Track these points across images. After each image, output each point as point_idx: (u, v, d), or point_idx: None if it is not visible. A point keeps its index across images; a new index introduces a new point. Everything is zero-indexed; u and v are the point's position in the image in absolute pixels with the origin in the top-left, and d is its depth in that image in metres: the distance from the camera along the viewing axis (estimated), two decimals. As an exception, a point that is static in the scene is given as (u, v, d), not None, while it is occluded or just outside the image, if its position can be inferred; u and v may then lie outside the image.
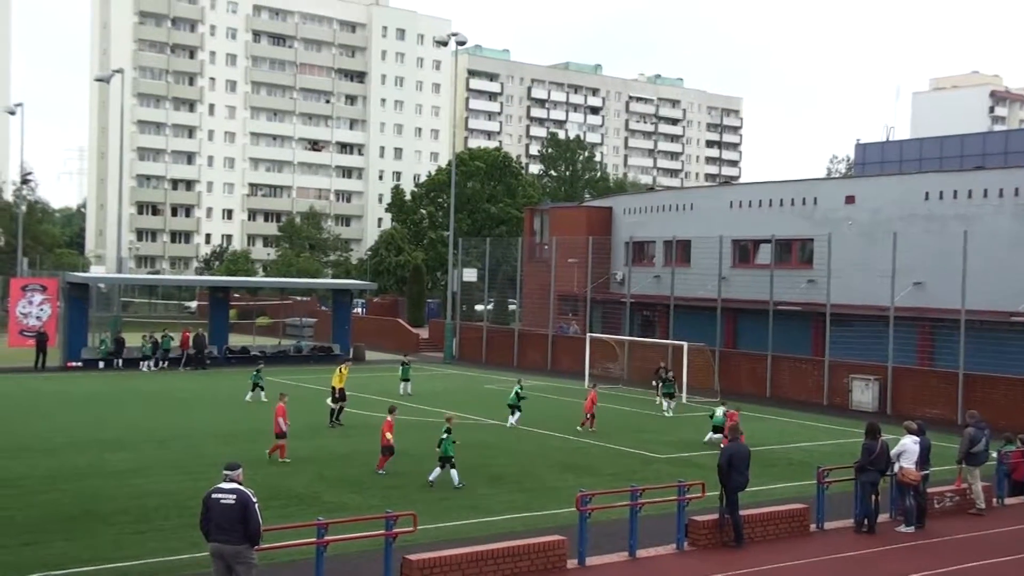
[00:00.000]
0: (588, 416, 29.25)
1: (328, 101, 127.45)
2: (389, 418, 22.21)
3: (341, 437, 26.78)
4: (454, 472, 20.66)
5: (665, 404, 34.25)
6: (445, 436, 20.79)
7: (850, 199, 43.05)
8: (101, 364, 44.23)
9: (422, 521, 15.00)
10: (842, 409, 36.36)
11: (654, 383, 37.29)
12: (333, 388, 29.21)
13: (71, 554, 15.20)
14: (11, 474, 21.10)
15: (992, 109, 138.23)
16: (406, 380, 37.13)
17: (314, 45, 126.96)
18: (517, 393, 29.98)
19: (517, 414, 29.68)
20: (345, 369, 30.04)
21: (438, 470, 20.78)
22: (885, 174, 49.35)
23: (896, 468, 17.78)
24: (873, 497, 17.57)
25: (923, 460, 18.04)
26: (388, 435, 21.81)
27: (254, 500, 11.47)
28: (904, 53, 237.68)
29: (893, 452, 17.78)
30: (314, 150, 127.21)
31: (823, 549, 16.38)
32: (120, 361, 44.64)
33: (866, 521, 17.51)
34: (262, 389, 33.95)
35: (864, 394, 36.60)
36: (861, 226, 41.58)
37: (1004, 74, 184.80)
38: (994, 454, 20.46)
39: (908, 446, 17.78)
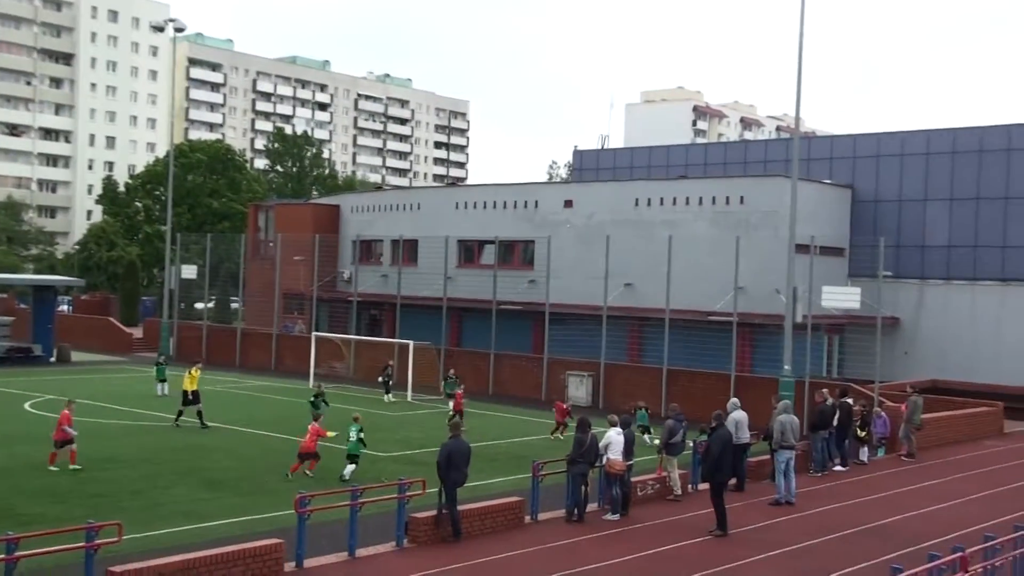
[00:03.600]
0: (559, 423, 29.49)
1: (29, 83, 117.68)
2: (316, 425, 22.86)
3: (42, 444, 24.79)
4: (350, 467, 21.45)
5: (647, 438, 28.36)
6: (354, 436, 21.37)
7: (568, 203, 45.15)
8: None
9: (132, 530, 14.25)
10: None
11: (380, 379, 37.77)
12: (184, 391, 29.22)
13: None
14: None
15: (695, 123, 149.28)
16: (163, 381, 35.37)
17: (12, 21, 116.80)
18: (311, 402, 28.35)
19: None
20: (196, 371, 29.82)
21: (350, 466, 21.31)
22: (600, 180, 52.08)
23: (604, 460, 18.85)
24: (583, 488, 18.56)
25: (627, 451, 19.24)
26: (330, 433, 22.58)
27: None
28: (619, 65, 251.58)
29: (601, 444, 18.84)
30: (13, 135, 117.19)
31: (536, 539, 17.09)
32: None
33: (576, 511, 18.47)
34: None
35: (579, 389, 38.44)
36: (578, 229, 43.70)
37: (705, 90, 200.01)
38: (691, 443, 22.17)
39: (613, 438, 18.88)
